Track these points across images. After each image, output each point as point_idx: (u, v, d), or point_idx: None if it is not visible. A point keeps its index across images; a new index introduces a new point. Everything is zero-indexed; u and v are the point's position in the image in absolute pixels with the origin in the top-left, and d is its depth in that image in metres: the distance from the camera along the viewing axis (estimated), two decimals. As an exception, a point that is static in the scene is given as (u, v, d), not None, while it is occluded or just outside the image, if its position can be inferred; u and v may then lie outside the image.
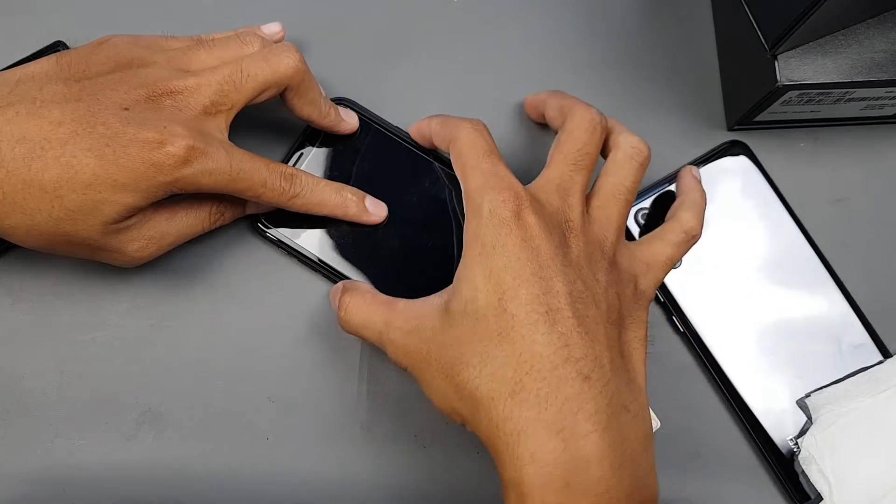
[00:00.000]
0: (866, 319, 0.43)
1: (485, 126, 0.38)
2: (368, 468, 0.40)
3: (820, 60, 0.41)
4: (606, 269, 0.35)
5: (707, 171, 0.45)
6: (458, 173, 0.37)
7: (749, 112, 0.44)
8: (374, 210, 0.42)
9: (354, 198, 0.42)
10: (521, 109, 0.46)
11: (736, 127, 0.46)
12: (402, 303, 0.36)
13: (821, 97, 0.42)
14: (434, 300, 0.35)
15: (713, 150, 0.45)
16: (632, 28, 0.48)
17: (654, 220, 0.44)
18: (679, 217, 0.40)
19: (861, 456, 0.40)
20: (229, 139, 0.38)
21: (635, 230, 0.44)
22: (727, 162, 0.45)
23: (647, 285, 0.37)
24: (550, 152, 0.38)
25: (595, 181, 0.38)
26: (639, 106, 0.46)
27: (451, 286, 0.35)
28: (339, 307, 0.38)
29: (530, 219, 0.34)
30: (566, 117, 0.39)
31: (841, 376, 0.42)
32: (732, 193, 0.44)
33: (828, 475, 0.40)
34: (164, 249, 0.38)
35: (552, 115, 0.41)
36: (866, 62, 0.41)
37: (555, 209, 0.35)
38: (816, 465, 0.40)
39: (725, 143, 0.45)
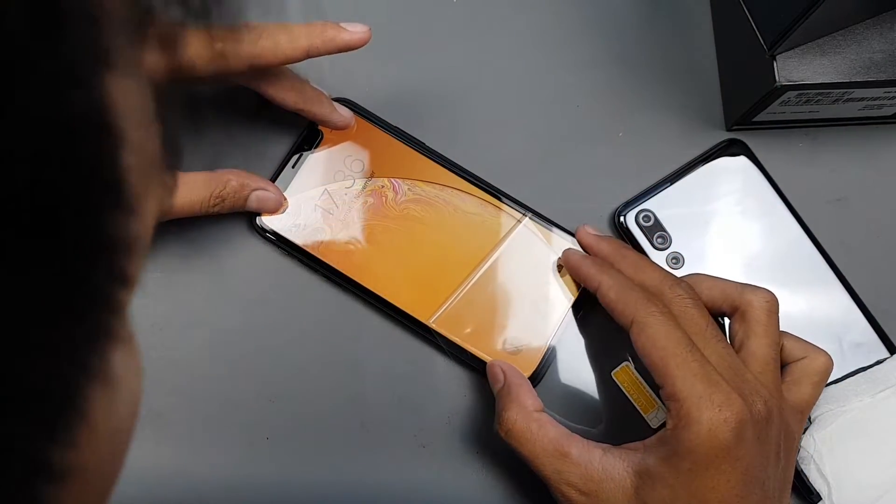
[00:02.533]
0: (872, 317, 0.43)
1: (668, 315, 0.36)
2: (368, 468, 0.40)
3: (818, 61, 0.41)
4: (788, 452, 0.36)
5: (706, 171, 0.45)
6: (651, 363, 0.35)
7: (748, 112, 0.44)
8: (354, 29, 0.38)
9: (328, 26, 0.38)
10: (520, 109, 0.46)
11: (734, 127, 0.46)
12: (575, 448, 0.35)
13: (819, 97, 0.42)
14: (617, 467, 0.34)
15: (712, 149, 0.45)
16: (630, 28, 0.48)
17: (655, 223, 0.44)
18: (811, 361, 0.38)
19: (860, 456, 0.40)
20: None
21: (638, 234, 0.43)
22: (726, 161, 0.45)
23: (800, 429, 0.37)
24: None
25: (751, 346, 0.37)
26: (637, 106, 0.46)
27: (637, 461, 0.34)
28: (500, 420, 0.37)
29: (751, 447, 0.33)
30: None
31: (840, 375, 0.42)
32: (732, 193, 0.44)
33: (826, 475, 0.40)
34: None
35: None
36: (864, 62, 0.41)
37: (774, 422, 0.34)
38: (815, 465, 0.40)
39: (724, 142, 0.45)
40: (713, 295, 0.38)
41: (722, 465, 0.32)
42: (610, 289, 0.37)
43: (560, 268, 0.42)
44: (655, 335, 0.35)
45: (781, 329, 0.38)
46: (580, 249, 0.42)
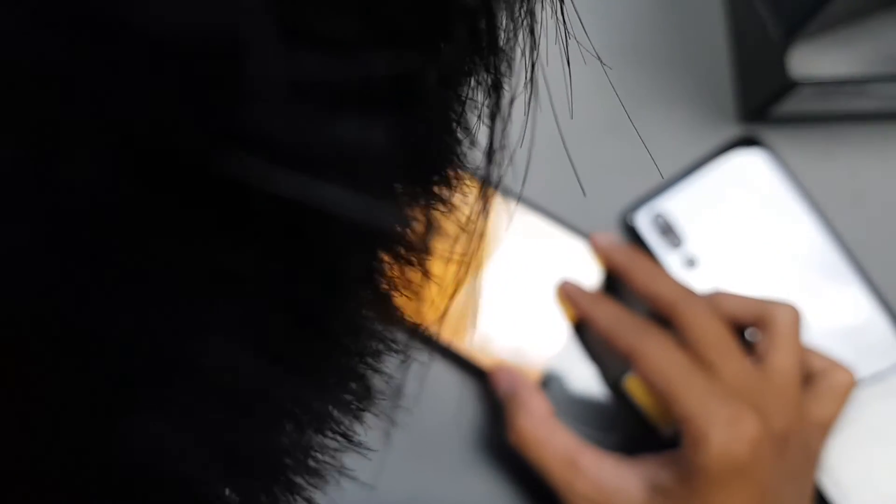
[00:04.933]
0: (893, 318, 0.42)
1: (671, 339, 0.35)
2: (366, 469, 0.39)
3: (835, 54, 0.40)
4: (807, 470, 0.35)
5: (719, 167, 0.43)
6: (657, 390, 0.34)
7: (762, 106, 0.43)
8: None
9: None
10: (523, 105, 0.45)
11: (748, 121, 0.45)
12: (587, 457, 0.35)
13: (836, 91, 0.41)
14: (629, 480, 0.34)
15: (725, 144, 0.44)
16: (638, 20, 0.46)
17: (666, 223, 0.42)
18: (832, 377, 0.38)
19: (876, 463, 0.39)
20: None
21: (650, 235, 0.42)
22: (740, 157, 0.44)
23: (821, 447, 0.36)
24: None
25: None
26: (646, 100, 0.45)
27: (650, 475, 0.33)
28: (511, 427, 0.36)
29: (767, 464, 0.32)
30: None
31: (859, 379, 0.41)
32: (746, 189, 0.43)
33: (841, 482, 0.39)
34: None
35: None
36: (883, 55, 0.40)
37: (793, 439, 0.34)
38: (829, 473, 0.39)
39: (738, 137, 0.44)
40: (735, 307, 0.37)
41: (737, 483, 0.31)
42: (603, 321, 0.37)
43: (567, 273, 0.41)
44: (656, 361, 0.34)
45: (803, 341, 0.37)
46: (588, 254, 0.41)
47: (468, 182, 0.15)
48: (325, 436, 0.15)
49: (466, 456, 0.40)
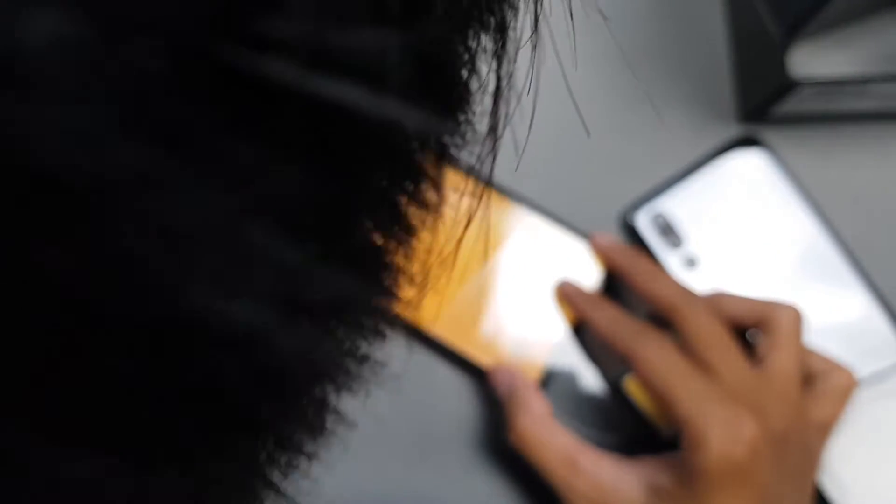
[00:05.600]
0: (893, 318, 0.42)
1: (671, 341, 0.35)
2: (366, 476, 0.39)
3: (835, 54, 0.40)
4: (807, 471, 0.35)
5: (719, 167, 0.43)
6: (655, 392, 0.34)
7: (762, 106, 0.43)
8: None
9: None
10: (521, 105, 0.45)
11: (749, 121, 0.45)
12: (586, 457, 0.35)
13: (836, 91, 0.41)
14: (628, 480, 0.34)
15: (724, 144, 0.44)
16: (639, 19, 0.46)
17: (666, 223, 0.42)
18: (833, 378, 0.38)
19: (876, 463, 0.39)
20: None
21: (649, 235, 0.42)
22: (740, 157, 0.44)
23: (821, 448, 0.36)
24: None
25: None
26: (645, 99, 0.45)
27: (649, 476, 0.34)
28: (511, 427, 0.36)
29: (766, 465, 0.32)
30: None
31: (859, 378, 0.41)
32: (746, 189, 0.43)
33: (840, 482, 0.39)
34: None
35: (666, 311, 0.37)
36: (883, 55, 0.40)
37: (793, 440, 0.34)
38: (829, 472, 0.39)
39: (738, 137, 0.44)
40: (736, 309, 0.37)
41: (736, 485, 0.31)
42: (602, 323, 0.37)
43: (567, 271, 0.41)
44: (654, 364, 0.34)
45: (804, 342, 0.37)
46: (587, 253, 0.41)
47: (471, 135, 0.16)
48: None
49: (466, 456, 0.40)
